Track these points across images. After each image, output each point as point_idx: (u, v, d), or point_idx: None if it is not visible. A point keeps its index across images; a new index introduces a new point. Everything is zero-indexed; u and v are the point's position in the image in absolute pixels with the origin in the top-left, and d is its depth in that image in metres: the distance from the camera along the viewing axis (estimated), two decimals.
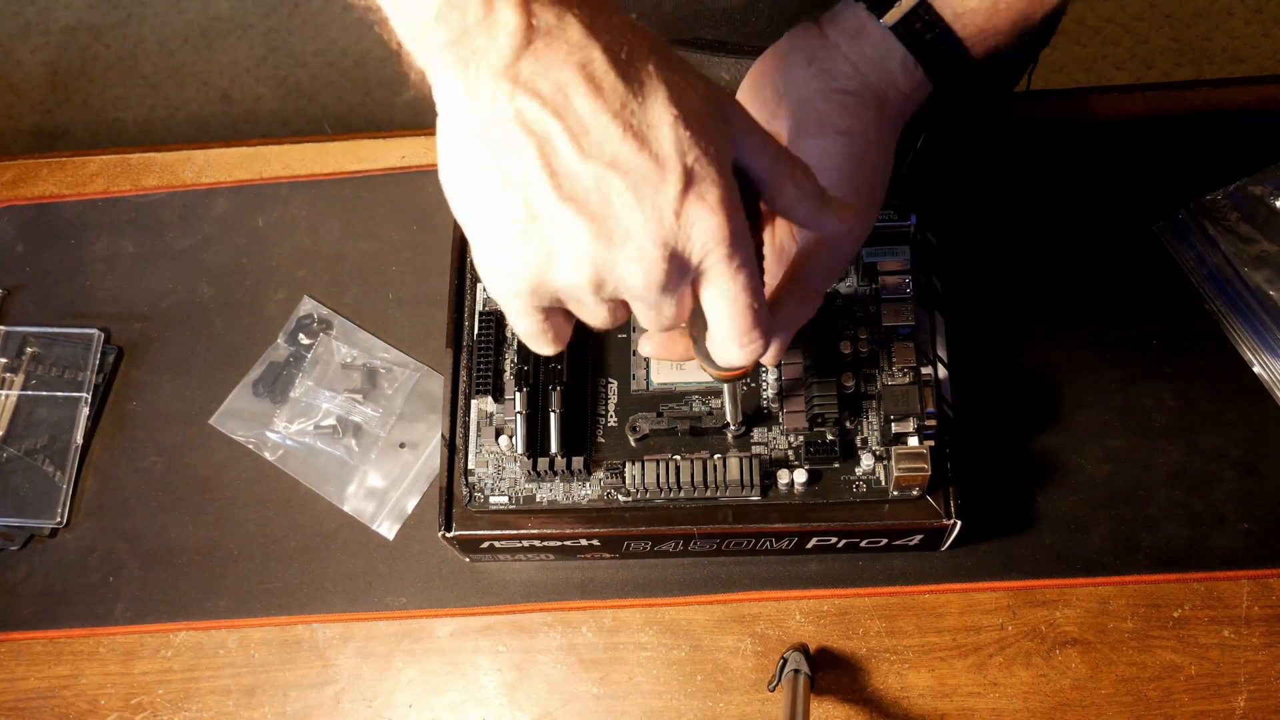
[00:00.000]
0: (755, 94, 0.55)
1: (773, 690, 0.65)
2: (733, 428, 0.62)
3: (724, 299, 0.41)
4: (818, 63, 0.52)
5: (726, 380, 0.51)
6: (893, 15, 0.52)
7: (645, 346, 0.54)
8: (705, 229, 0.39)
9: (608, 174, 0.38)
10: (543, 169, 0.37)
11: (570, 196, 0.38)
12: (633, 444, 0.63)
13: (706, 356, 0.47)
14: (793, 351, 0.63)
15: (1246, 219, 0.72)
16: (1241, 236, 0.71)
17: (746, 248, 0.40)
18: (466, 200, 0.39)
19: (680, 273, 0.40)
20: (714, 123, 0.40)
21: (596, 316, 0.42)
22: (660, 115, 0.38)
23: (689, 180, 0.38)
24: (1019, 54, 0.56)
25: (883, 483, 0.61)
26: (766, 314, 0.43)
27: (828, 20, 0.54)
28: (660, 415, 0.63)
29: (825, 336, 0.62)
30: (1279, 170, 0.73)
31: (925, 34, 0.52)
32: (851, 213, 0.47)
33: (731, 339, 0.43)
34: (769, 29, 0.66)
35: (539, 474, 0.62)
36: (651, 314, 0.42)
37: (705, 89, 0.40)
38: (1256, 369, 0.69)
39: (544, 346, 0.44)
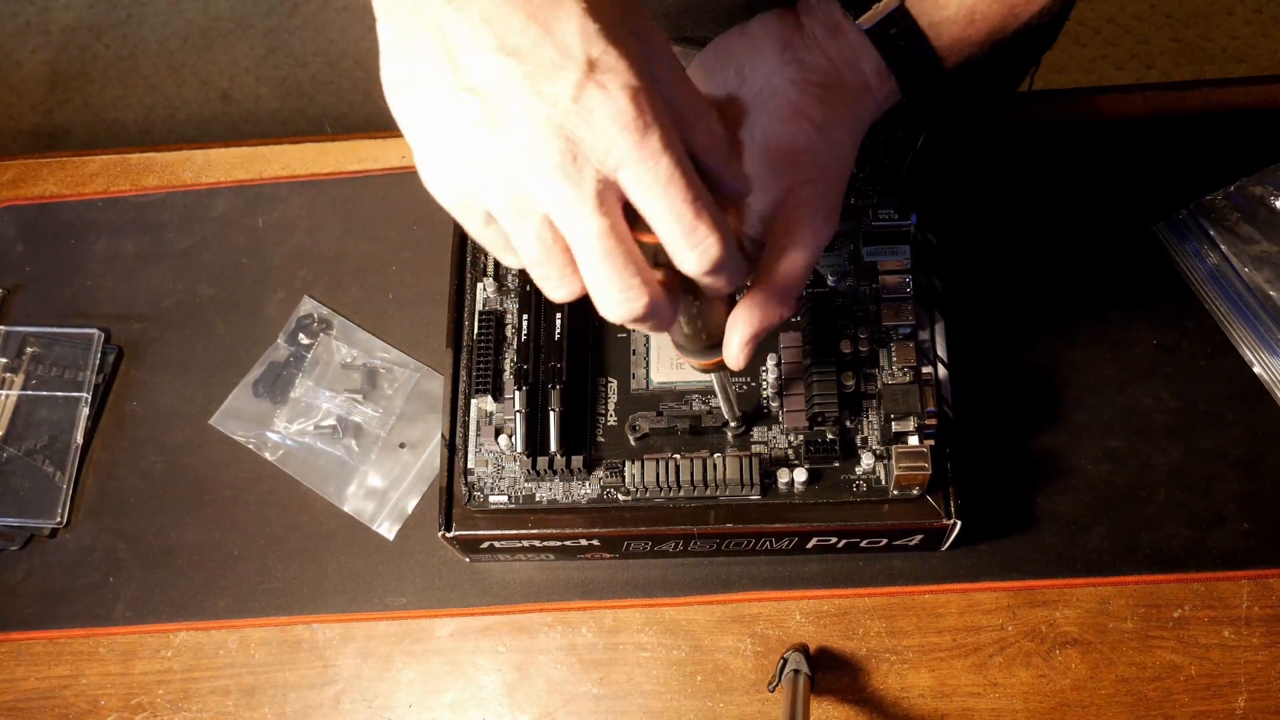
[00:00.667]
0: (711, 72, 0.53)
1: (773, 690, 0.65)
2: (732, 425, 0.62)
3: (649, 192, 0.38)
4: (792, 51, 0.51)
5: (709, 370, 0.50)
6: (869, 18, 0.51)
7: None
8: (607, 115, 0.36)
9: (507, 62, 0.36)
10: (447, 63, 0.37)
11: (469, 87, 0.37)
12: (632, 443, 0.63)
13: (682, 342, 0.46)
14: (792, 350, 0.63)
15: (1246, 219, 0.72)
16: (1241, 236, 0.71)
17: (666, 135, 0.37)
18: (395, 103, 0.39)
19: (580, 164, 0.37)
20: (627, 35, 0.38)
21: (521, 236, 0.39)
22: (569, 9, 0.37)
23: (591, 68, 0.36)
24: (995, 64, 0.55)
25: (883, 482, 0.61)
26: (714, 208, 0.39)
27: (804, 10, 0.52)
28: (660, 414, 0.63)
29: (825, 336, 0.62)
30: (1279, 170, 0.72)
31: (899, 40, 0.51)
32: (752, 185, 0.44)
33: (678, 240, 0.39)
34: None
35: (538, 473, 0.62)
36: (577, 225, 0.38)
37: (624, 5, 0.38)
38: (1256, 369, 0.69)
39: (507, 257, 0.42)
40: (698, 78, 0.53)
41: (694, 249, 0.39)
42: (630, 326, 0.45)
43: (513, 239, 0.40)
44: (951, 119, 0.76)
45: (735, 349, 0.48)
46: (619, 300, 0.39)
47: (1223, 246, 0.71)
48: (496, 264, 0.67)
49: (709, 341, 0.49)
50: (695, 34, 0.68)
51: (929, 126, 0.69)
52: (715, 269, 0.40)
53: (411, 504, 0.71)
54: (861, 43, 0.51)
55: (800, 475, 0.61)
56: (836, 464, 0.62)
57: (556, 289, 0.40)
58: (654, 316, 0.40)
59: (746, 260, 0.46)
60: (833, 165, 0.51)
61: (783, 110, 0.50)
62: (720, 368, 0.50)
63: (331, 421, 0.73)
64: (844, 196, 0.52)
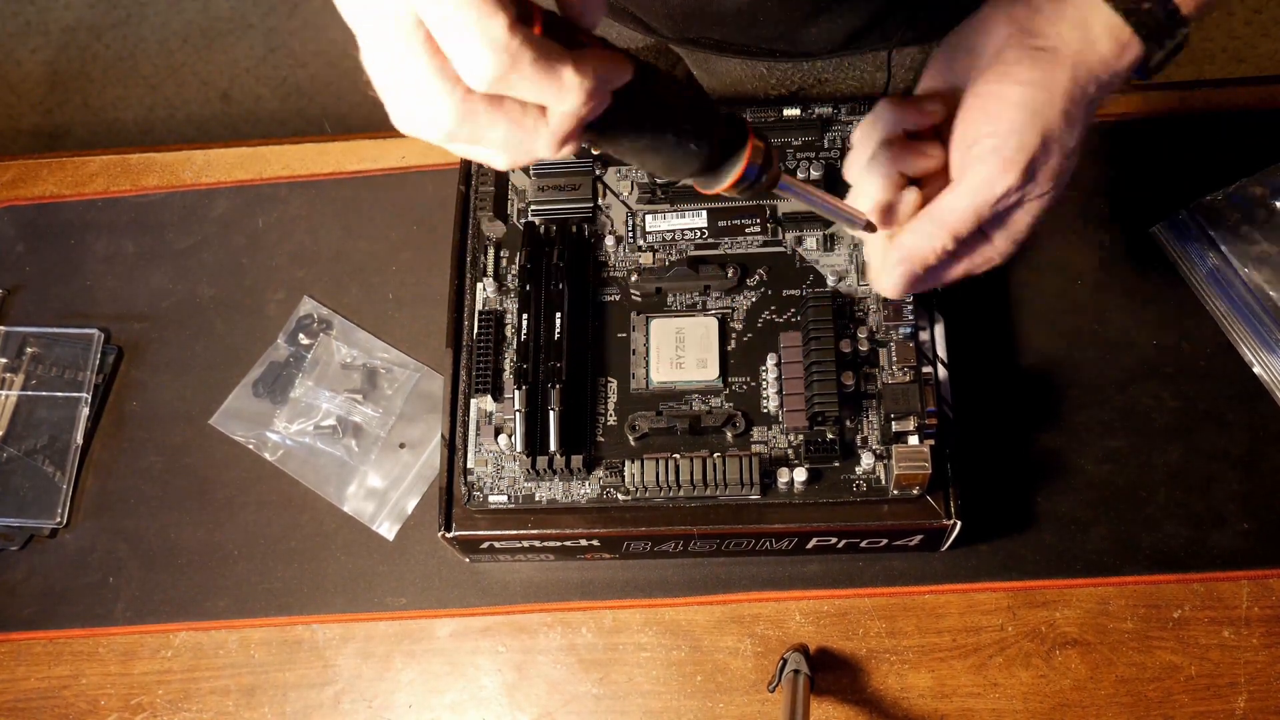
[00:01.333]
0: (947, 61, 0.53)
1: (773, 691, 0.65)
2: (866, 230, 0.52)
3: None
4: (1017, 23, 0.51)
5: (739, 188, 0.45)
6: None
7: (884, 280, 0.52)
8: None
9: None
10: None
11: None
12: (632, 443, 0.63)
13: (683, 171, 0.43)
14: (792, 350, 0.63)
15: (1246, 219, 0.72)
16: (1241, 237, 0.71)
17: None
18: None
19: None
20: None
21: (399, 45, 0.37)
22: None
23: None
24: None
25: (883, 482, 0.61)
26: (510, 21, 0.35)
27: None
28: (660, 414, 0.63)
29: (825, 336, 0.62)
30: (1279, 170, 0.72)
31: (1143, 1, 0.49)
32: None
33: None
34: (775, 31, 0.65)
35: (538, 473, 0.62)
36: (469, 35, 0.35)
37: None
38: (1256, 369, 0.69)
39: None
40: (939, 70, 0.53)
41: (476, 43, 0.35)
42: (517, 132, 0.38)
43: (395, 58, 0.37)
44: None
45: (888, 275, 0.50)
46: (477, 39, 0.35)
47: (1223, 247, 0.71)
48: (497, 264, 0.67)
49: (703, 156, 0.44)
50: (700, 35, 0.68)
51: None
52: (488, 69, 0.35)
53: (411, 504, 0.71)
54: (1090, 3, 0.50)
55: (800, 475, 0.61)
56: (836, 464, 0.62)
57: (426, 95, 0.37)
58: (517, 70, 0.35)
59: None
60: (1031, 124, 0.49)
61: (994, 72, 0.50)
62: (753, 186, 0.45)
63: (331, 421, 0.73)
64: (1065, 161, 0.51)
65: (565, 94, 0.37)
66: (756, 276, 0.66)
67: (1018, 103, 0.49)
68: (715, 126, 0.44)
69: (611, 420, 0.64)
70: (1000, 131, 0.49)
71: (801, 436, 0.62)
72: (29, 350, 0.76)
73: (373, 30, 0.38)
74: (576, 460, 0.62)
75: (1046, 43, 0.50)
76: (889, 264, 0.51)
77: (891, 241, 0.50)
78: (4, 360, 0.76)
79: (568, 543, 0.64)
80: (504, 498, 0.63)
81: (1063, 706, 0.64)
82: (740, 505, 0.62)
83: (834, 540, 0.64)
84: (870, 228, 0.51)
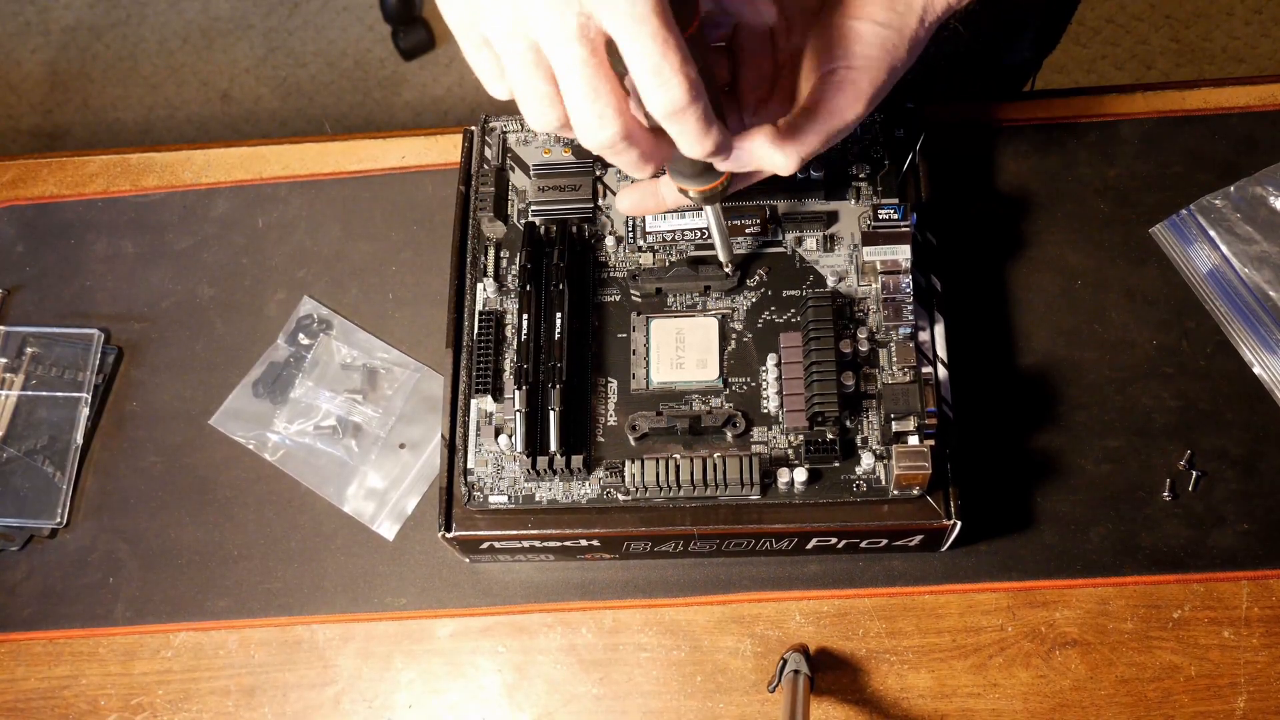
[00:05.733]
0: None
1: (773, 691, 0.65)
2: (727, 269, 0.63)
3: (622, 20, 0.42)
4: None
5: (704, 194, 0.53)
6: None
7: (622, 201, 0.58)
8: None
9: None
10: None
11: None
12: (632, 443, 0.63)
13: (674, 168, 0.49)
14: (792, 350, 0.63)
15: (1246, 219, 0.72)
16: (1241, 237, 0.71)
17: None
18: None
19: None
20: None
21: (510, 57, 0.44)
22: None
23: None
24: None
25: (883, 482, 0.61)
26: (687, 58, 0.42)
27: None
28: (660, 414, 0.63)
29: (825, 336, 0.62)
30: (1279, 170, 0.72)
31: None
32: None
33: (643, 75, 0.43)
34: None
35: (538, 473, 0.62)
36: (560, 52, 0.43)
37: None
38: (1256, 369, 0.69)
39: (495, 85, 0.47)
40: None
41: (659, 87, 0.43)
42: (613, 159, 0.47)
43: (503, 60, 0.45)
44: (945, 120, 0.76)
45: (795, 152, 0.52)
46: (594, 125, 0.44)
47: (1223, 247, 0.71)
48: (497, 264, 0.67)
49: (700, 166, 0.52)
50: None
51: (928, 127, 0.69)
52: (677, 111, 0.44)
53: (411, 504, 0.71)
54: None
55: (800, 475, 0.61)
56: (836, 464, 0.62)
57: (538, 113, 0.46)
58: (629, 142, 0.45)
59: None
60: (882, 61, 0.53)
61: (852, 5, 0.53)
62: (714, 197, 0.53)
63: (331, 422, 0.73)
64: (895, 81, 0.54)
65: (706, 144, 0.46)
66: (756, 277, 0.66)
67: (871, 40, 0.52)
68: None
69: (611, 420, 0.64)
70: (855, 65, 0.52)
71: (801, 437, 0.62)
72: (29, 350, 0.76)
73: (543, 39, 0.44)
74: (576, 460, 0.62)
75: None
76: (751, 144, 0.53)
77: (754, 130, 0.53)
78: (4, 360, 0.76)
79: (568, 543, 0.64)
80: (504, 498, 0.63)
81: (1063, 706, 0.64)
82: (740, 505, 0.62)
83: (834, 540, 0.64)
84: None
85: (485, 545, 0.65)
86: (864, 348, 0.63)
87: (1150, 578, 0.66)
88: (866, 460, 0.62)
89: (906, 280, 0.64)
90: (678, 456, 0.61)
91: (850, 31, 0.52)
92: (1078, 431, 0.69)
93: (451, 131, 0.81)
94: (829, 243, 0.66)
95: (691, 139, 0.45)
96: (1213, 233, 0.71)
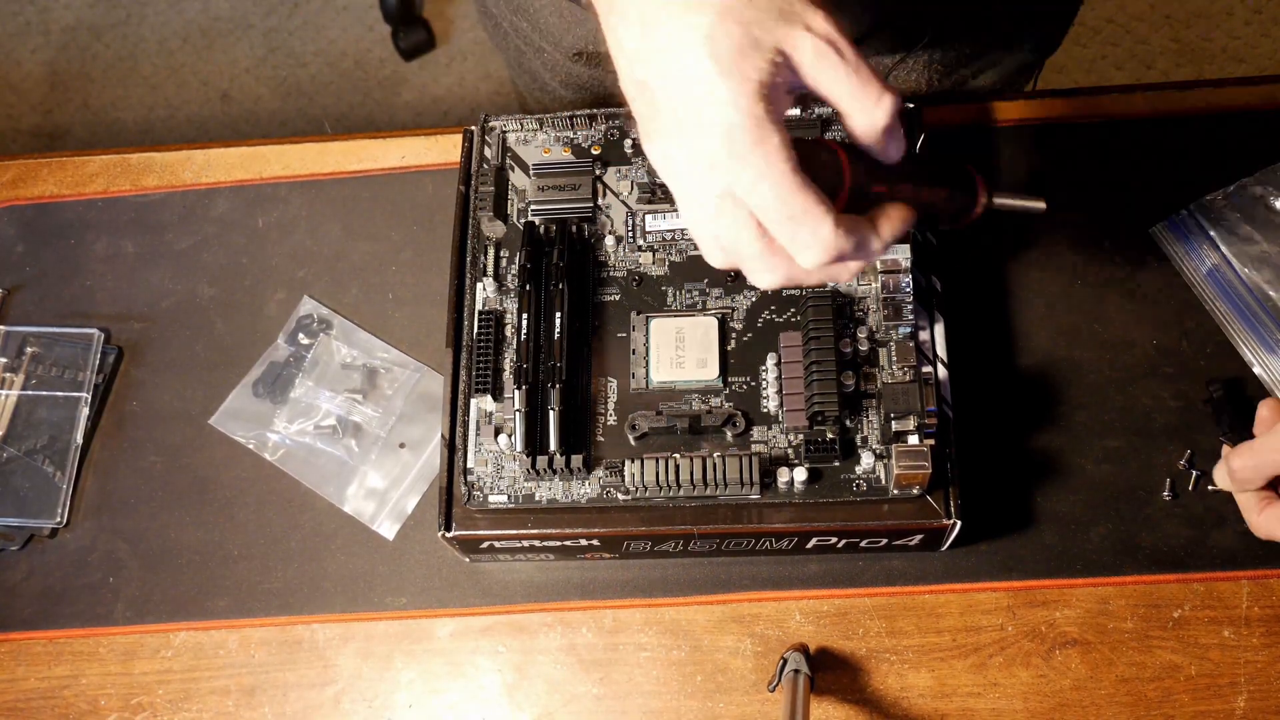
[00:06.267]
0: None
1: (773, 691, 0.65)
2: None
3: (824, 60, 0.45)
4: None
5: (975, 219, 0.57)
6: None
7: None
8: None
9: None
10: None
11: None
12: (632, 442, 0.63)
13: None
14: (792, 350, 0.63)
15: (1246, 219, 0.72)
16: (1241, 237, 0.71)
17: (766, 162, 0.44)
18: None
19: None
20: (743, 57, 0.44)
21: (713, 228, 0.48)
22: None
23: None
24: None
25: (883, 481, 0.61)
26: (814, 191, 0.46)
27: None
28: (659, 414, 0.63)
29: (825, 336, 0.62)
30: (1279, 170, 0.72)
31: None
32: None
33: (853, 98, 0.46)
34: None
35: (538, 472, 0.62)
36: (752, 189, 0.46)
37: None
38: (1257, 369, 0.69)
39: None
40: None
41: (875, 108, 0.46)
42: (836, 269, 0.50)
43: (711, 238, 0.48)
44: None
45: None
46: (810, 240, 0.46)
47: (1223, 246, 0.71)
48: (496, 264, 0.67)
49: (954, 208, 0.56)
50: None
51: (929, 127, 0.69)
52: (890, 125, 0.47)
53: (411, 504, 0.71)
54: None
55: (800, 475, 0.61)
56: (836, 463, 0.62)
57: (761, 272, 0.49)
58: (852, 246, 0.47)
59: None
60: None
61: None
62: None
63: (331, 421, 0.73)
64: None
65: (873, 255, 0.49)
66: None
67: None
68: (966, 180, 0.56)
69: (611, 420, 0.64)
70: None
71: (801, 436, 0.62)
72: (29, 350, 0.76)
73: (714, 211, 0.47)
74: (576, 460, 0.62)
75: None
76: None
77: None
78: (4, 360, 0.76)
79: (568, 542, 0.64)
80: (504, 497, 0.63)
81: (1063, 706, 0.64)
82: (740, 505, 0.62)
83: (834, 540, 0.64)
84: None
85: (485, 545, 0.65)
86: (864, 347, 0.63)
87: (1150, 577, 0.66)
88: (866, 460, 0.62)
89: (906, 280, 0.64)
90: (677, 456, 0.61)
91: None
92: (1078, 431, 0.69)
93: (451, 131, 0.81)
94: None
95: (892, 148, 0.49)
96: (1213, 232, 0.71)
